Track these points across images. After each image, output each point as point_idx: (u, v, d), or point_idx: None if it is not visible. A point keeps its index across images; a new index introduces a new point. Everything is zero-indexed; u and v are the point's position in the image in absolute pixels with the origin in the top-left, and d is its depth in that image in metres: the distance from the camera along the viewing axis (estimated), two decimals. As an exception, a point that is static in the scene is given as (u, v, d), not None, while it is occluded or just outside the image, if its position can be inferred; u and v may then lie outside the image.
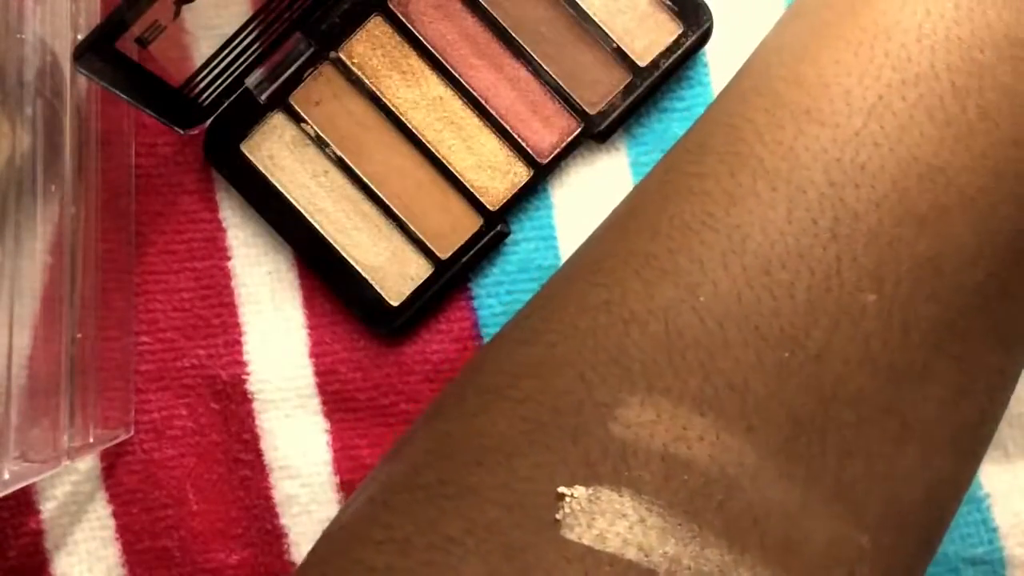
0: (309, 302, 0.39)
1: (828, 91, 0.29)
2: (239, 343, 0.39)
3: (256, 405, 0.39)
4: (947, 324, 0.28)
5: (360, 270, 0.38)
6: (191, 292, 0.39)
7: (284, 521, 0.38)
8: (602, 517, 0.26)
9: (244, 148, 0.38)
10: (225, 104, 0.38)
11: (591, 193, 0.39)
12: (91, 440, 0.35)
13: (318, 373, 0.39)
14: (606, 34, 0.38)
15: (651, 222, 0.30)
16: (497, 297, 0.39)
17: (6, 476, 0.30)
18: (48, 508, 0.38)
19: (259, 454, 0.38)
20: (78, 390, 0.34)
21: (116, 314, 0.37)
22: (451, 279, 0.38)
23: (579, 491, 0.27)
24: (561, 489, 0.27)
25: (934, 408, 0.28)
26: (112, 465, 0.38)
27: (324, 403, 0.39)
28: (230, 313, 0.39)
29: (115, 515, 0.38)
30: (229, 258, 0.39)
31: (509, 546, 0.27)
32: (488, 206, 0.38)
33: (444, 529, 0.27)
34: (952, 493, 0.30)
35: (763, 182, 0.29)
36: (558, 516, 0.26)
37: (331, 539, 0.31)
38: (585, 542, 0.26)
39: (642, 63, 0.38)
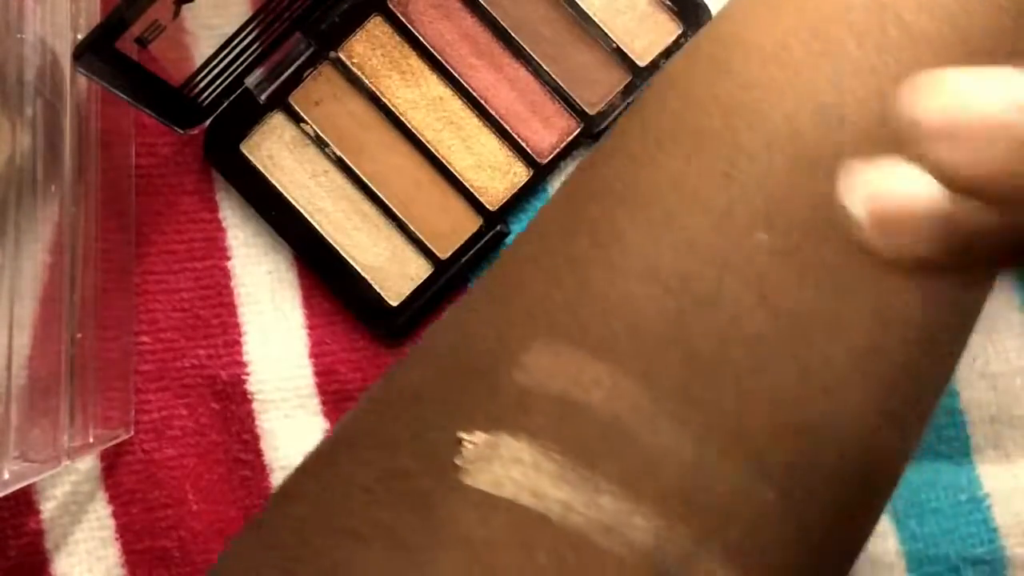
0: (309, 302, 0.39)
1: (739, 41, 0.30)
2: (239, 343, 0.39)
3: (256, 405, 0.39)
4: (848, 270, 0.28)
5: (360, 270, 0.38)
6: (191, 292, 0.39)
7: (284, 521, 0.38)
8: (499, 462, 0.26)
9: (244, 148, 0.38)
10: (225, 104, 0.38)
11: (591, 193, 0.39)
12: (91, 440, 0.35)
13: (318, 373, 0.39)
14: (606, 34, 0.38)
15: (576, 182, 0.31)
16: (497, 297, 0.39)
17: (6, 476, 0.30)
18: (48, 508, 0.38)
19: (259, 454, 0.38)
20: (78, 390, 0.34)
21: (116, 314, 0.37)
22: (451, 279, 0.38)
23: (479, 436, 0.27)
24: (460, 434, 0.27)
25: (843, 357, 0.28)
26: (112, 465, 0.38)
27: (324, 403, 0.39)
28: (230, 313, 0.39)
29: (115, 515, 0.38)
30: (229, 258, 0.39)
31: (416, 493, 0.27)
32: (488, 206, 0.38)
33: (359, 479, 0.28)
34: (878, 458, 0.29)
35: (670, 135, 0.29)
36: (458, 462, 0.27)
37: (271, 496, 0.32)
38: (482, 487, 0.26)
39: (642, 63, 0.38)
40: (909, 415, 0.30)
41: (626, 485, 0.26)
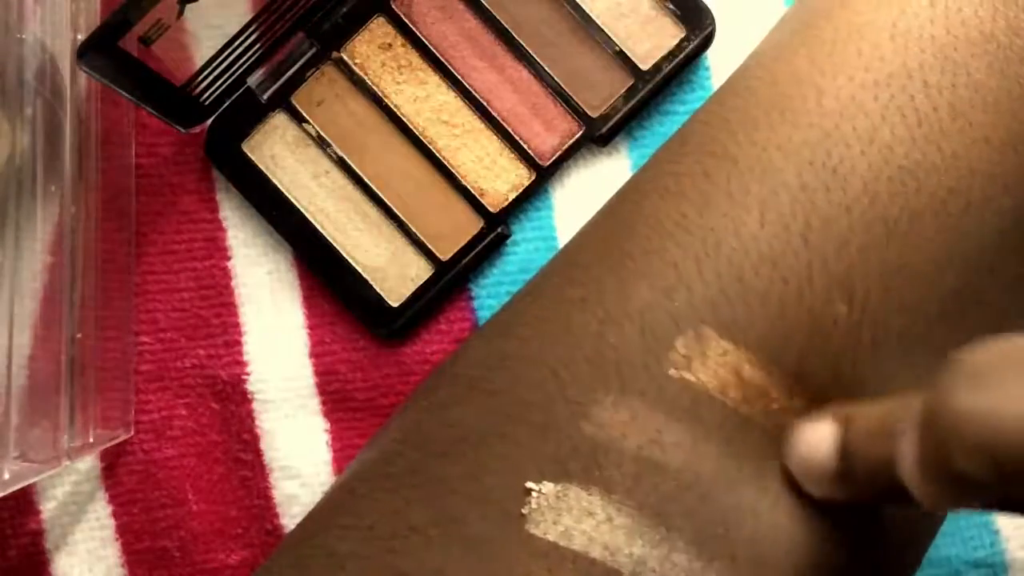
0: (309, 302, 0.39)
1: (801, 89, 0.29)
2: (239, 343, 0.39)
3: (256, 405, 0.38)
4: (917, 336, 0.28)
5: (360, 271, 0.38)
6: (191, 292, 0.39)
7: (284, 521, 0.38)
8: (569, 514, 0.26)
9: (245, 148, 0.38)
10: (227, 103, 0.38)
11: (592, 196, 0.39)
12: (91, 440, 0.35)
13: (318, 373, 0.39)
14: (609, 37, 0.38)
15: (628, 220, 0.30)
16: (497, 299, 0.39)
17: (6, 476, 0.30)
18: (48, 508, 0.38)
19: (259, 454, 0.38)
20: (78, 390, 0.34)
21: (116, 314, 0.37)
22: (452, 280, 0.38)
23: (547, 487, 0.26)
24: (529, 484, 0.27)
25: None
26: (112, 465, 0.38)
27: (324, 403, 0.39)
28: (230, 313, 0.39)
29: (115, 515, 0.38)
30: (229, 258, 0.39)
31: (472, 538, 0.26)
32: (489, 208, 0.38)
33: (408, 518, 0.27)
34: (925, 525, 0.30)
35: (736, 183, 0.29)
36: (524, 511, 0.26)
37: (303, 526, 0.31)
38: (550, 538, 0.26)
39: (644, 67, 0.38)
40: None
41: (700, 545, 0.26)
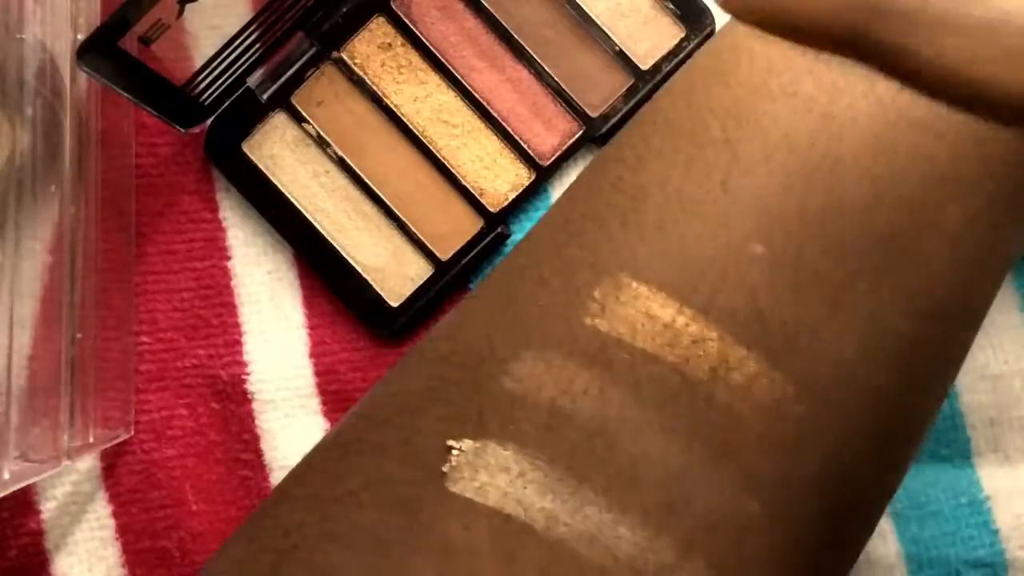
0: (309, 302, 0.39)
1: (736, 54, 0.30)
2: (239, 343, 0.39)
3: (256, 405, 0.38)
4: (842, 282, 0.28)
5: (360, 271, 0.38)
6: (191, 292, 0.39)
7: (283, 521, 0.38)
8: (485, 470, 0.27)
9: (245, 147, 0.38)
10: (227, 103, 0.38)
11: (592, 195, 0.39)
12: (91, 440, 0.35)
13: (318, 373, 0.39)
14: (609, 37, 0.38)
15: (574, 190, 0.32)
16: (498, 299, 0.39)
17: (6, 476, 0.30)
18: (48, 508, 0.38)
19: (259, 454, 0.38)
20: (78, 390, 0.34)
21: (116, 314, 0.37)
22: (451, 280, 0.38)
23: (466, 444, 0.27)
24: (449, 442, 0.27)
25: (829, 369, 0.28)
26: (112, 465, 0.38)
27: (324, 403, 0.39)
28: (230, 313, 0.39)
29: (115, 515, 0.38)
30: (229, 258, 0.39)
31: (401, 498, 0.27)
32: (489, 208, 0.38)
33: (347, 484, 0.28)
34: (861, 473, 0.29)
35: (669, 143, 0.29)
36: (444, 469, 0.27)
37: (263, 500, 0.32)
38: (467, 495, 0.26)
39: (644, 66, 0.38)
40: (899, 429, 0.30)
41: (611, 495, 0.26)
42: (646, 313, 0.27)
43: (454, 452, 0.27)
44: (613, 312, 0.27)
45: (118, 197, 0.38)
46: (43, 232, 0.33)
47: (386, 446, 0.28)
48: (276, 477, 0.38)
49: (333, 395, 0.39)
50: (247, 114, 0.38)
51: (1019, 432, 0.39)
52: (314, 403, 0.39)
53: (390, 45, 0.38)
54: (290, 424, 0.38)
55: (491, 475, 0.26)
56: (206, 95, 0.37)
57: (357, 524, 0.27)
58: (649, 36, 0.38)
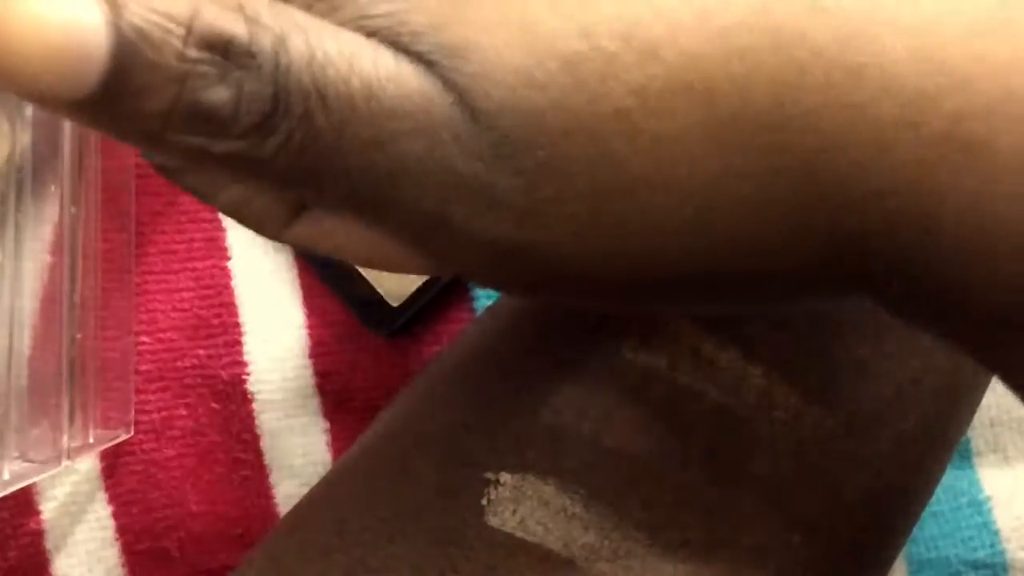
0: (309, 302, 0.39)
1: None
2: (239, 343, 0.39)
3: (256, 405, 0.38)
4: None
5: (360, 271, 0.38)
6: (191, 292, 0.39)
7: (284, 521, 0.38)
8: (526, 504, 0.26)
9: (245, 148, 0.38)
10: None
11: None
12: (91, 440, 0.35)
13: (318, 373, 0.39)
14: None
15: None
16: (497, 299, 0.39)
17: (6, 476, 0.30)
18: (48, 508, 0.38)
19: (259, 454, 0.38)
20: (78, 390, 0.34)
21: (116, 314, 0.37)
22: (452, 280, 0.38)
23: (504, 477, 0.27)
24: (488, 475, 0.27)
25: (872, 403, 0.28)
26: (112, 465, 0.38)
27: (324, 403, 0.39)
28: (230, 313, 0.39)
29: (115, 515, 0.38)
30: (229, 258, 0.39)
31: (436, 529, 0.27)
32: (489, 207, 0.38)
33: (377, 511, 0.28)
34: (901, 500, 0.30)
35: None
36: (483, 502, 0.27)
37: (286, 521, 0.31)
38: (507, 529, 0.26)
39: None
40: (929, 459, 0.30)
41: (653, 531, 0.26)
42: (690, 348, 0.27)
43: (492, 485, 0.27)
44: (651, 343, 0.27)
45: (118, 197, 0.38)
46: (43, 232, 0.33)
47: (416, 474, 0.28)
48: (276, 477, 0.38)
49: (333, 395, 0.38)
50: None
51: (1019, 432, 0.39)
52: (314, 403, 0.39)
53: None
54: (290, 424, 0.38)
55: (531, 509, 0.26)
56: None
57: (391, 555, 0.27)
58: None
